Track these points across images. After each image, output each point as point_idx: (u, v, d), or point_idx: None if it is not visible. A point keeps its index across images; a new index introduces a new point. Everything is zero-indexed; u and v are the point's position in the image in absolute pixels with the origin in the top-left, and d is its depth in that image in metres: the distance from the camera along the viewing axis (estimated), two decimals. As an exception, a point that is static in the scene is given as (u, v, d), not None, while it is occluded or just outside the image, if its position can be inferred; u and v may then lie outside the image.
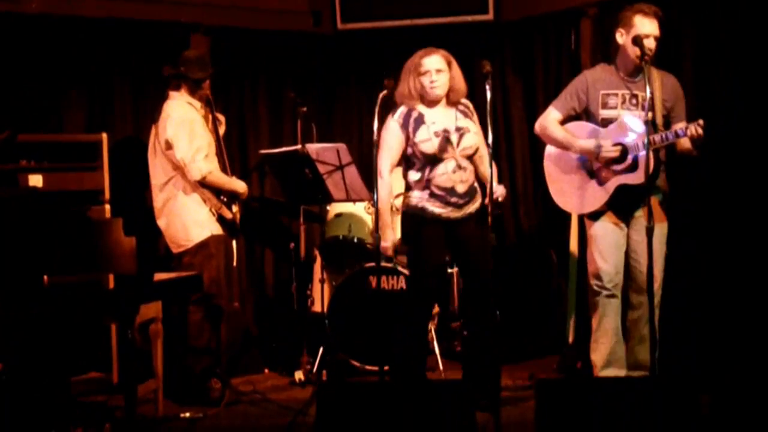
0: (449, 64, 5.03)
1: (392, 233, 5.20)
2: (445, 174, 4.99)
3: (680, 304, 5.48)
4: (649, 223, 4.47)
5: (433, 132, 4.99)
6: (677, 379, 4.39)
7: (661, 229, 4.94)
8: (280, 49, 7.10)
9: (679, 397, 3.83)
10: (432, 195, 5.02)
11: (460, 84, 5.08)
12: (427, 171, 5.02)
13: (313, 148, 5.61)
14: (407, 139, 5.03)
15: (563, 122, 5.25)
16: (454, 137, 5.00)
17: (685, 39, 6.02)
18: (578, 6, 6.44)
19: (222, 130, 5.91)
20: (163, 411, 5.24)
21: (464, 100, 5.15)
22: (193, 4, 6.59)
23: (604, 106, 5.12)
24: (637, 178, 4.96)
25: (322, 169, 5.58)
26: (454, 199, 5.00)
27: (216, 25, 6.61)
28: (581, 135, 5.16)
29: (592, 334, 5.26)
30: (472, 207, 5.06)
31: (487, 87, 4.60)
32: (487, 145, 4.59)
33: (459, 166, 5.00)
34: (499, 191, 5.04)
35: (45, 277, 4.09)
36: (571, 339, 6.24)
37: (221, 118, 5.93)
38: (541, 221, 6.89)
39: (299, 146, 5.67)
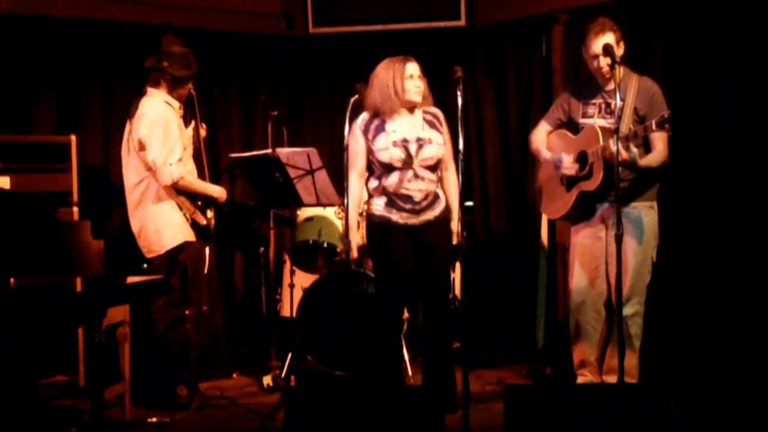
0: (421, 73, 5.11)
1: (358, 237, 5.24)
2: (401, 182, 5.04)
3: (662, 309, 5.52)
4: (618, 231, 4.52)
5: (392, 141, 5.02)
6: (646, 384, 4.43)
7: (648, 237, 5.03)
8: (252, 52, 7.09)
9: (648, 402, 3.85)
10: (390, 203, 5.07)
11: (427, 92, 5.14)
12: (384, 179, 5.08)
13: (283, 152, 5.59)
14: (367, 146, 5.06)
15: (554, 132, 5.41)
16: (413, 147, 5.03)
17: (655, 39, 6.05)
18: (550, 12, 6.47)
19: (203, 134, 5.85)
20: (130, 415, 5.21)
21: (433, 109, 5.19)
22: (165, 5, 6.55)
23: (584, 115, 5.23)
24: (591, 184, 5.07)
25: (292, 173, 5.56)
26: (409, 206, 5.06)
27: (187, 26, 6.58)
28: (558, 143, 5.30)
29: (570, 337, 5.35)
30: (431, 214, 5.10)
31: (459, 93, 4.64)
32: (458, 150, 4.60)
33: (416, 176, 5.04)
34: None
35: (12, 279, 4.05)
36: (540, 344, 6.25)
37: (203, 127, 5.87)
38: (511, 224, 6.90)
39: (270, 150, 5.65)
